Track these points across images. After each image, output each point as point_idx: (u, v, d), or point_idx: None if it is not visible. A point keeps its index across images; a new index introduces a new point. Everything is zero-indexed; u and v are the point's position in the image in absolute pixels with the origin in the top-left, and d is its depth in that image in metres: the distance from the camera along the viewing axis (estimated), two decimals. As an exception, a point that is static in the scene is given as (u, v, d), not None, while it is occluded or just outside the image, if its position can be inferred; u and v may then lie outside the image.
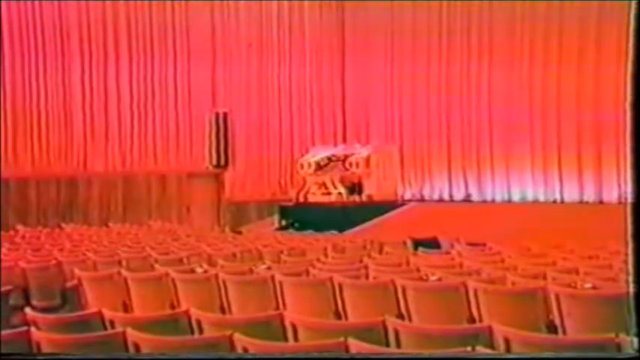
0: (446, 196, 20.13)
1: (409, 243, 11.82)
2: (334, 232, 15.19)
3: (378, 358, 3.30)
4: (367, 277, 7.49)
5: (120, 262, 8.90)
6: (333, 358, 3.72)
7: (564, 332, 5.89)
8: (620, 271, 7.81)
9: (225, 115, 19.67)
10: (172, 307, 6.81)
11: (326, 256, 9.85)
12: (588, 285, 6.66)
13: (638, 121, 3.80)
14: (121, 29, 18.91)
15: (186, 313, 5.47)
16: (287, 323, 5.16)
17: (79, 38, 18.55)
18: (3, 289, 8.18)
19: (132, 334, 4.70)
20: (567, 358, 3.20)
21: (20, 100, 17.89)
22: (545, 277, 7.12)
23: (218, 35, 19.91)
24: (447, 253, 10.59)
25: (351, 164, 19.60)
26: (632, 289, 3.75)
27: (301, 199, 19.44)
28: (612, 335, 4.44)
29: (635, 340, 3.54)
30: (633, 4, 4.06)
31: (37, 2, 18.26)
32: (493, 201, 19.47)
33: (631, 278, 3.72)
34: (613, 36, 18.31)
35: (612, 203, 18.01)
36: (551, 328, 5.98)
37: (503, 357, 3.31)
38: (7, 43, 17.81)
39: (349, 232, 15.71)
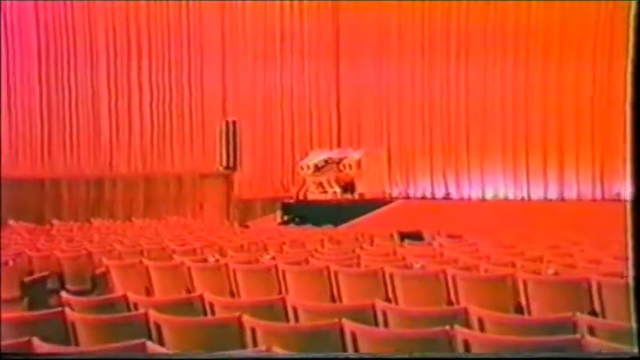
0: (428, 195, 20.09)
1: (396, 235, 11.82)
2: (330, 226, 15.13)
3: (377, 358, 3.14)
4: (359, 265, 7.49)
5: (142, 252, 8.90)
6: (334, 358, 3.55)
7: (529, 313, 5.89)
8: (579, 258, 7.87)
9: (234, 122, 19.64)
10: (188, 291, 6.80)
11: (323, 247, 9.85)
12: (551, 271, 6.69)
13: (638, 121, 3.57)
14: (143, 46, 18.84)
15: (200, 297, 5.48)
16: (289, 306, 5.17)
17: (106, 52, 18.43)
18: (40, 275, 8.25)
19: (153, 315, 4.71)
20: (568, 359, 3.20)
21: (55, 106, 17.81)
22: (514, 265, 7.15)
23: (228, 50, 19.87)
24: (429, 244, 10.58)
25: (344, 166, 19.57)
26: (632, 288, 3.41)
27: (301, 197, 19.42)
28: (570, 314, 4.45)
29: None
30: (633, 4, 3.80)
31: (68, 3, 18.06)
32: (469, 198, 19.45)
33: (631, 278, 3.41)
34: (574, 39, 18.26)
35: (572, 200, 18.03)
36: (519, 310, 5.98)
37: (503, 357, 3.24)
38: (42, 48, 17.64)
39: (343, 226, 15.65)
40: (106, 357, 3.73)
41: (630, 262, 3.28)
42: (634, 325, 3.26)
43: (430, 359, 3.15)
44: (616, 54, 17.85)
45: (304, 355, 3.45)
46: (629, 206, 3.33)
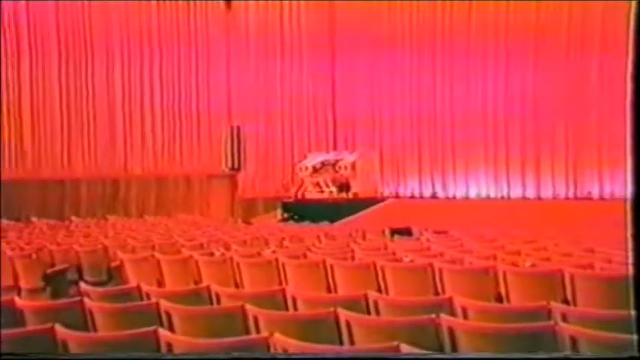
0: (417, 194, 20.06)
1: (387, 231, 11.77)
2: (326, 223, 15.08)
3: (381, 358, 3.06)
4: (353, 259, 7.46)
5: (153, 247, 8.90)
6: (335, 358, 3.42)
7: (509, 302, 5.89)
8: (553, 252, 7.87)
9: (238, 128, 19.64)
10: (196, 283, 6.78)
11: (320, 242, 9.82)
12: (528, 264, 6.70)
13: (638, 121, 3.32)
14: (155, 56, 18.79)
15: (207, 288, 5.47)
16: (288, 296, 5.17)
17: (120, 62, 18.35)
18: (61, 267, 8.25)
19: (164, 304, 4.71)
20: (570, 359, 3.12)
21: (74, 112, 17.75)
22: (494, 258, 7.13)
23: (232, 61, 19.84)
24: (417, 239, 10.56)
25: (340, 167, 19.51)
26: (632, 289, 3.28)
27: (299, 197, 19.36)
28: (545, 303, 4.45)
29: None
30: (633, 4, 3.65)
31: (86, 9, 17.87)
32: (454, 197, 19.43)
33: (631, 279, 3.26)
34: (548, 43, 18.08)
35: (548, 199, 18.04)
36: (499, 299, 5.98)
37: (503, 357, 3.16)
38: (63, 54, 17.52)
39: (339, 223, 15.56)
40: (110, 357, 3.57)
41: (630, 261, 3.11)
42: (634, 325, 3.15)
43: (440, 359, 3.01)
44: (587, 55, 17.72)
45: (304, 356, 3.26)
46: (629, 206, 3.14)
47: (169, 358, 3.75)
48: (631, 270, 3.12)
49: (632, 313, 3.20)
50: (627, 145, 3.30)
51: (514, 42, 18.80)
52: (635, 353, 2.98)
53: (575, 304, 5.53)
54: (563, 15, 18.34)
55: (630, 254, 3.09)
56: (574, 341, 3.71)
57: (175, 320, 4.61)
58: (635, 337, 3.10)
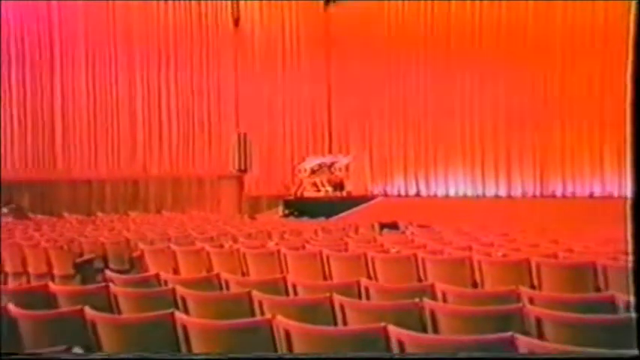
0: (402, 192, 20.04)
1: (376, 226, 11.78)
2: (323, 218, 15.04)
3: (378, 358, 2.93)
4: (346, 250, 7.44)
5: (170, 239, 8.88)
6: (335, 358, 3.24)
7: (483, 287, 5.89)
8: (522, 243, 7.88)
9: (245, 135, 19.63)
10: (207, 271, 6.75)
11: (317, 235, 9.80)
12: (500, 254, 6.71)
13: (638, 121, 3.02)
14: (170, 69, 18.74)
15: (217, 275, 5.45)
16: (289, 283, 5.16)
17: (140, 74, 18.29)
18: (89, 256, 8.25)
19: (179, 290, 4.70)
20: (570, 359, 2.92)
21: (100, 118, 17.66)
22: (470, 249, 7.11)
23: (240, 76, 19.82)
24: (403, 233, 10.54)
25: (335, 169, 19.49)
26: (632, 289, 2.99)
27: (299, 195, 19.32)
28: (514, 288, 4.46)
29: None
30: (633, 4, 3.39)
31: (110, 17, 17.69)
32: (435, 195, 19.39)
33: (631, 278, 2.97)
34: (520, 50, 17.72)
35: (518, 197, 18.02)
36: (474, 285, 5.99)
37: (503, 357, 2.98)
38: (90, 60, 17.36)
39: (333, 219, 15.58)
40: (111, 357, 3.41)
41: (630, 261, 2.88)
42: (634, 324, 2.97)
43: (438, 359, 2.85)
44: (551, 59, 17.34)
45: (306, 355, 3.11)
46: (628, 206, 2.89)
47: (175, 358, 3.47)
48: (631, 270, 2.91)
49: (633, 314, 3.01)
50: (627, 144, 3.06)
51: (489, 50, 18.45)
52: (636, 353, 2.80)
53: (540, 289, 5.53)
54: (529, 18, 17.80)
55: (630, 254, 2.87)
56: (539, 321, 3.71)
57: (190, 304, 4.61)
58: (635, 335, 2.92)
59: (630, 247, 2.84)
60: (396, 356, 3.05)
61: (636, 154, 2.96)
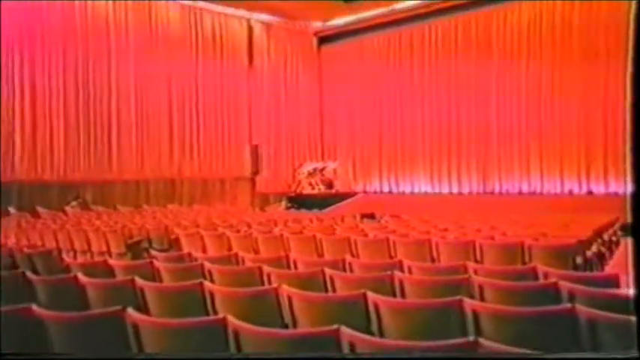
0: (378, 190, 19.97)
1: (358, 216, 11.77)
2: (317, 210, 15.05)
3: (378, 358, 2.57)
4: (335, 234, 7.45)
5: (198, 226, 8.86)
6: (334, 358, 2.74)
7: (439, 262, 5.90)
8: (469, 228, 7.89)
9: (256, 146, 19.57)
10: (228, 250, 6.72)
11: (312, 223, 9.79)
12: (452, 236, 6.73)
13: (638, 121, 2.48)
14: (200, 93, 18.62)
15: (236, 254, 5.43)
16: (291, 260, 5.15)
17: (176, 100, 18.16)
18: (138, 238, 8.22)
19: (207, 265, 4.68)
20: (568, 359, 2.49)
21: (147, 126, 17.34)
22: (429, 233, 7.14)
23: (253, 102, 19.72)
24: (379, 221, 10.53)
25: (326, 172, 19.56)
26: (632, 289, 2.45)
27: (298, 192, 19.29)
28: (463, 262, 4.47)
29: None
30: (633, 4, 2.85)
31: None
32: (403, 192, 19.33)
33: (632, 278, 2.43)
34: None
35: (466, 194, 17.95)
36: (433, 260, 6.00)
37: (505, 357, 2.65)
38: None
39: (325, 210, 15.58)
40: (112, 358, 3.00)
41: (630, 261, 2.43)
42: (634, 325, 2.40)
43: (437, 359, 2.47)
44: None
45: (305, 355, 2.61)
46: (628, 206, 2.45)
47: (189, 358, 2.73)
48: (631, 270, 2.43)
49: (633, 314, 2.47)
50: (627, 144, 2.53)
51: (449, 75, 17.67)
52: (636, 353, 2.32)
53: (482, 263, 5.55)
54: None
55: (630, 254, 2.43)
56: (481, 288, 3.72)
57: (215, 276, 4.60)
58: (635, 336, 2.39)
59: (630, 247, 2.45)
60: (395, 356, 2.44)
61: (636, 154, 2.48)
